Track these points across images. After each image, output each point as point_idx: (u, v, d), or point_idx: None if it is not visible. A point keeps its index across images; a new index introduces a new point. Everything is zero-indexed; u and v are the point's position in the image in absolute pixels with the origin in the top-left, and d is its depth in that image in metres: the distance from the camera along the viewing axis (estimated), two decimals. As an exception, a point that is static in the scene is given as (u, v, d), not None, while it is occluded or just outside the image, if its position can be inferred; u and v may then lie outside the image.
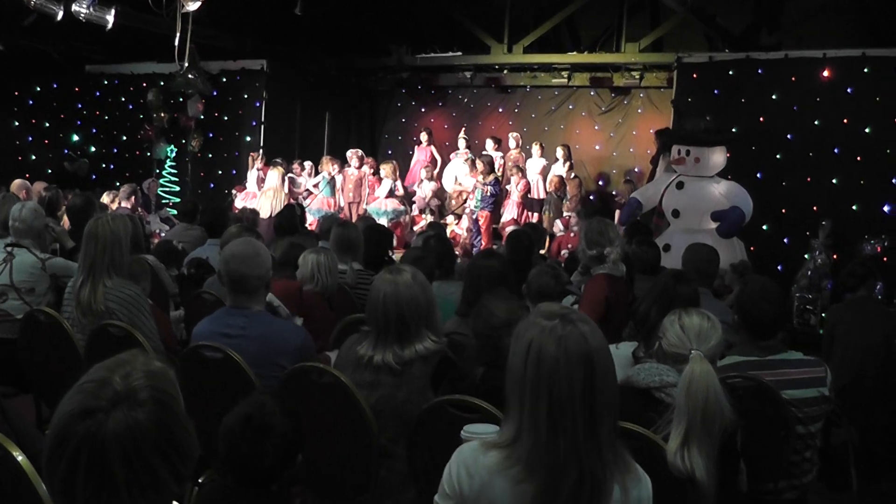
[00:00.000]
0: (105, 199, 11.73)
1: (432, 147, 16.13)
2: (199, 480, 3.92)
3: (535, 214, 14.03)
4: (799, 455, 4.22)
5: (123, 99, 16.85)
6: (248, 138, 15.82)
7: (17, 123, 17.19)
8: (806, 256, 9.92)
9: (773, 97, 11.89)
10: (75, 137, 17.22)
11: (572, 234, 12.34)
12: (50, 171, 15.85)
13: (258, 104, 15.77)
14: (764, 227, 11.42)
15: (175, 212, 13.62)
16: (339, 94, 17.73)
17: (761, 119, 11.96)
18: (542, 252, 11.95)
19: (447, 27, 16.24)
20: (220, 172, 16.13)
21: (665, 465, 3.02)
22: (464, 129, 16.38)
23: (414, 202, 14.93)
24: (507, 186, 14.10)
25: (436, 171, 15.38)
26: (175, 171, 16.28)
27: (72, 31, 13.49)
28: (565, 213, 13.53)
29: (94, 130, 17.31)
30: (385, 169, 14.40)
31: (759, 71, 12.10)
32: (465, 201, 14.33)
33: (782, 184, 11.65)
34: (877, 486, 5.69)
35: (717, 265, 6.04)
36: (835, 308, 6.90)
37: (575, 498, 2.22)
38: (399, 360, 3.73)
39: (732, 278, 7.74)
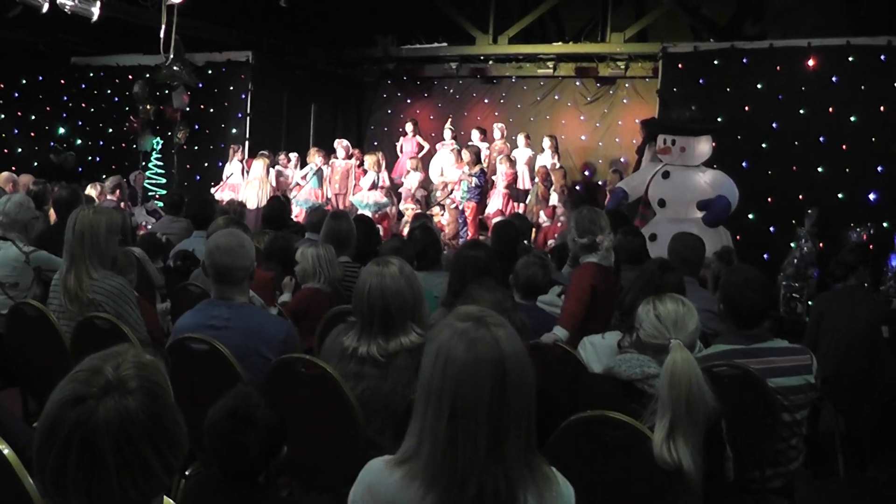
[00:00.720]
0: (91, 191, 11.67)
1: (418, 137, 16.11)
2: (186, 473, 3.92)
3: (522, 205, 14.03)
4: (785, 443, 4.25)
5: (109, 91, 16.77)
6: (234, 130, 15.78)
7: (2, 116, 17.09)
8: (792, 245, 9.93)
9: (759, 86, 11.90)
10: (61, 130, 17.14)
11: (559, 225, 12.36)
12: (36, 163, 15.76)
13: (244, 96, 15.73)
14: (750, 216, 11.45)
15: (161, 204, 13.57)
16: (324, 86, 17.69)
17: (747, 108, 11.98)
18: (527, 242, 11.98)
19: (432, 18, 16.22)
20: (206, 164, 16.09)
21: (651, 455, 3.04)
22: (450, 119, 16.38)
23: (401, 193, 14.91)
24: (493, 177, 14.09)
25: (420, 162, 15.36)
26: (161, 164, 16.25)
27: (57, 22, 13.39)
28: (551, 203, 13.54)
29: (80, 123, 17.24)
30: (368, 161, 14.38)
31: (744, 60, 12.11)
32: (450, 192, 14.32)
33: (768, 173, 11.67)
34: (863, 473, 5.72)
35: (703, 254, 6.06)
36: (822, 297, 6.93)
37: None
38: (383, 353, 3.73)
39: (718, 266, 7.75)
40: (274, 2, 12.80)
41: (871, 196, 11.12)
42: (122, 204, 12.16)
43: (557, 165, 14.49)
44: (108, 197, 11.78)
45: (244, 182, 14.19)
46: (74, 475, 1.74)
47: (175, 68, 14.12)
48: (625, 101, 16.06)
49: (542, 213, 13.55)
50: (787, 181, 11.52)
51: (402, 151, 16.25)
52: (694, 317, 3.47)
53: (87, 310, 4.69)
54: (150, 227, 10.77)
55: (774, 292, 9.03)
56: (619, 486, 3.23)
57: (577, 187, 15.04)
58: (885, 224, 10.74)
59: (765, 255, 11.02)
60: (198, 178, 16.09)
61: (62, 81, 17.31)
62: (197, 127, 15.99)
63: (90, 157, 16.83)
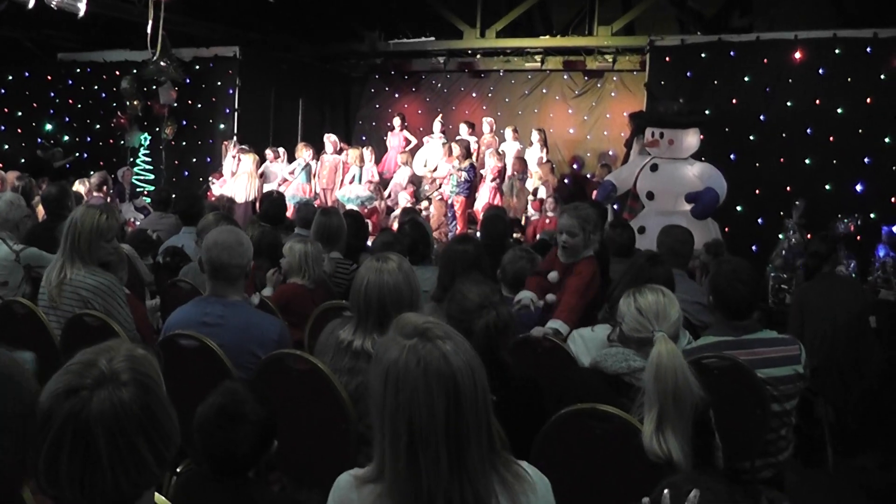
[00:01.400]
0: (79, 188, 11.64)
1: (405, 132, 16.10)
2: (178, 469, 3.91)
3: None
4: (775, 433, 4.26)
5: (96, 87, 16.71)
6: (222, 126, 15.73)
7: (-12, 113, 17.06)
8: (780, 236, 9.93)
9: (746, 79, 11.93)
10: (48, 126, 17.07)
11: (547, 220, 12.37)
12: (23, 160, 15.70)
13: (231, 91, 15.69)
14: (738, 208, 11.50)
15: (149, 200, 13.54)
16: (312, 81, 17.67)
17: (734, 101, 12.00)
18: (517, 236, 12.00)
19: (419, 12, 16.21)
20: (194, 160, 16.04)
21: (641, 447, 3.05)
22: (440, 114, 16.37)
23: (390, 189, 14.88)
24: (482, 171, 14.09)
25: (410, 156, 15.34)
26: (149, 160, 16.20)
27: (43, 18, 13.37)
28: (539, 196, 13.55)
29: (67, 119, 17.17)
30: (351, 155, 14.36)
31: (732, 53, 12.14)
32: (439, 187, 14.31)
33: (756, 165, 11.71)
34: (852, 462, 5.76)
35: (692, 246, 6.07)
36: (802, 288, 6.97)
37: None
38: (358, 346, 3.72)
39: (707, 258, 7.78)
40: (261, -3, 12.79)
41: (858, 187, 11.17)
42: (109, 200, 12.12)
43: (545, 159, 14.50)
44: (95, 194, 11.74)
45: (233, 178, 14.13)
46: (68, 467, 1.77)
47: (162, 64, 14.10)
48: (613, 94, 16.08)
49: (529, 206, 13.55)
50: (775, 173, 11.56)
51: (389, 147, 16.24)
52: (675, 306, 3.48)
53: (70, 307, 4.68)
54: (138, 223, 10.74)
55: (763, 284, 9.06)
56: (609, 478, 3.24)
57: (566, 181, 15.04)
58: (872, 215, 10.77)
59: (753, 247, 11.06)
60: (186, 173, 16.04)
61: (48, 78, 17.23)
62: (185, 123, 15.94)
63: (77, 154, 16.76)
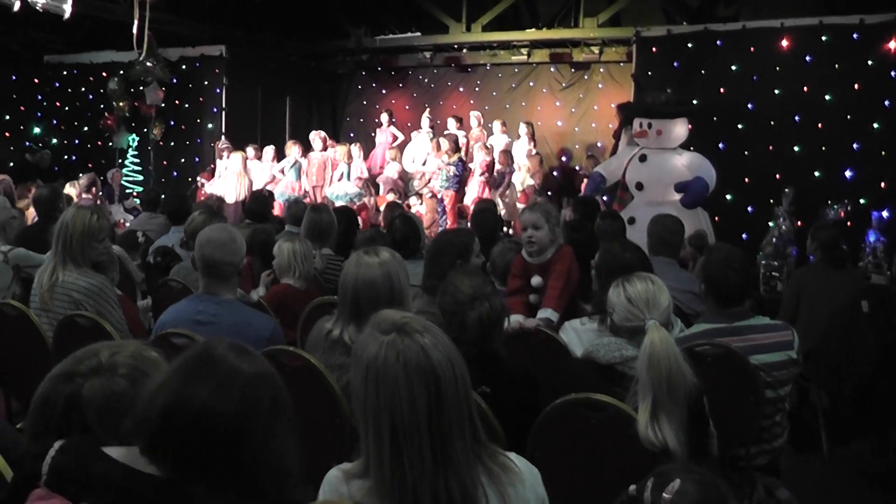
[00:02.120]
0: (70, 190, 11.62)
1: (392, 128, 16.08)
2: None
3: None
4: (769, 419, 4.28)
5: (83, 89, 16.66)
6: (210, 125, 15.72)
7: (-25, 117, 17.00)
8: (770, 224, 9.97)
9: (733, 68, 11.93)
10: (36, 129, 17.02)
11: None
12: (12, 164, 15.63)
13: (218, 90, 15.67)
14: (728, 197, 11.51)
15: (139, 201, 13.51)
16: (299, 79, 17.65)
17: (722, 90, 12.01)
18: (506, 229, 12.01)
19: (405, 7, 16.17)
20: (182, 160, 16.01)
21: (636, 436, 3.05)
22: (427, 109, 16.35)
23: (379, 184, 14.85)
24: (471, 165, 14.08)
25: (399, 152, 15.33)
26: (138, 161, 16.15)
27: (30, 21, 13.32)
28: (527, 189, 13.58)
29: (55, 122, 17.12)
30: (338, 152, 14.33)
31: (718, 42, 12.14)
32: (428, 182, 14.31)
33: (744, 153, 11.72)
34: (847, 448, 5.78)
35: (682, 235, 6.08)
36: (799, 273, 7.01)
37: None
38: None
39: (689, 252, 7.79)
40: (246, -5, 12.77)
41: (848, 173, 11.19)
42: (99, 202, 12.10)
43: (534, 152, 14.48)
44: (85, 196, 11.72)
45: (222, 177, 14.10)
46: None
47: (148, 64, 14.07)
48: (600, 85, 16.05)
49: (516, 201, 13.57)
50: (764, 161, 11.58)
51: (377, 143, 16.22)
52: (665, 293, 3.48)
53: (66, 308, 4.66)
54: (128, 224, 10.72)
55: (754, 272, 9.08)
56: (605, 467, 3.24)
57: (555, 173, 15.03)
58: (861, 201, 10.81)
59: (743, 235, 11.07)
60: (175, 174, 16.01)
61: (35, 80, 17.18)
62: (172, 123, 15.88)
63: (66, 157, 16.72)
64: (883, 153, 11.03)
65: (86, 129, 16.72)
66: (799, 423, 5.09)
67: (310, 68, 17.94)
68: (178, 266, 6.28)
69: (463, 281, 3.66)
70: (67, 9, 11.38)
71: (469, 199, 13.43)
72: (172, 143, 16.00)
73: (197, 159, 15.69)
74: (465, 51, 16.71)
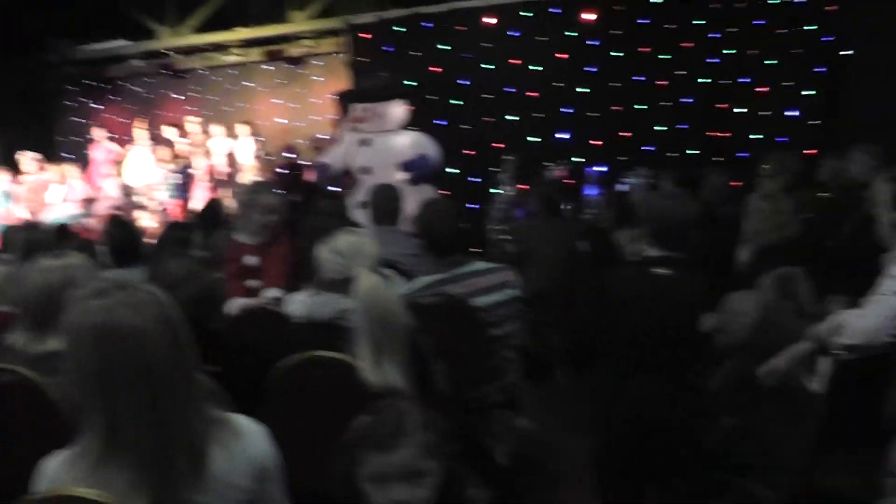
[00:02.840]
0: None
1: (107, 143, 15.41)
2: None
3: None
4: (499, 357, 4.42)
5: None
6: None
7: None
8: (495, 191, 10.33)
9: (444, 47, 12.26)
10: None
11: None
12: None
13: None
14: (453, 171, 11.79)
15: None
16: (5, 100, 16.59)
17: (436, 69, 12.30)
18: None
19: (108, 15, 15.51)
20: None
21: (362, 384, 3.08)
22: (141, 120, 15.77)
23: (98, 202, 14.20)
24: (192, 170, 13.75)
25: (117, 167, 14.77)
26: None
27: None
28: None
29: None
30: (54, 173, 13.67)
31: (428, 24, 12.44)
32: (152, 193, 13.87)
33: (463, 127, 12.07)
34: (578, 378, 6.02)
35: (400, 202, 6.12)
36: (521, 226, 7.34)
37: (164, 486, 2.04)
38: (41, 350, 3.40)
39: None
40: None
41: (562, 136, 11.79)
42: None
43: (258, 151, 14.30)
44: None
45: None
46: None
47: None
48: (318, 78, 16.02)
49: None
50: (483, 133, 11.96)
51: (94, 159, 15.51)
52: (371, 244, 3.52)
53: None
54: None
55: (484, 238, 9.42)
56: (339, 418, 3.23)
57: (283, 170, 14.88)
58: (577, 160, 11.37)
59: (471, 205, 11.40)
60: None
61: None
62: None
63: None
64: (588, 114, 11.69)
65: None
66: (532, 360, 5.26)
67: (15, 88, 16.85)
68: None
69: (170, 262, 3.58)
70: None
71: (197, 206, 13.12)
72: None
73: None
74: (176, 56, 16.25)
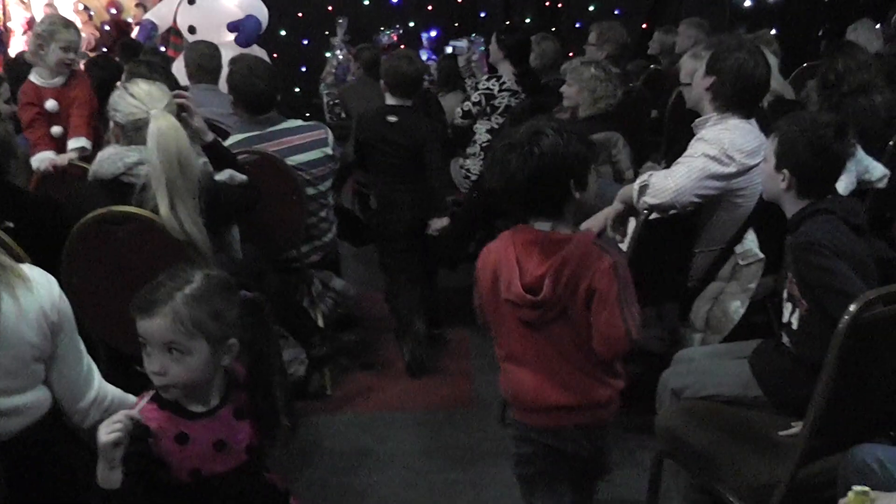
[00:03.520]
0: None
1: None
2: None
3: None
4: (315, 216, 4.41)
5: None
6: None
7: None
8: (328, 55, 10.15)
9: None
10: None
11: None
12: None
13: None
14: (282, 33, 11.49)
15: None
16: None
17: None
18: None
19: None
20: None
21: (162, 232, 3.04)
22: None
23: None
24: (10, 25, 12.99)
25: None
26: None
27: None
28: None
29: None
30: None
31: None
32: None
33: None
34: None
35: (219, 60, 5.94)
36: (344, 89, 7.33)
37: None
38: None
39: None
40: None
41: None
42: None
43: (81, 6, 13.58)
44: None
45: None
46: None
47: None
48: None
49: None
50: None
51: None
52: (165, 91, 3.39)
53: None
54: None
55: (317, 102, 9.33)
56: (144, 269, 3.19)
57: (107, 28, 14.20)
58: (411, 24, 11.32)
59: (302, 68, 11.21)
60: None
61: None
62: None
63: None
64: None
65: None
66: (348, 218, 5.26)
67: None
68: None
69: None
70: None
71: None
72: None
73: None
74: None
